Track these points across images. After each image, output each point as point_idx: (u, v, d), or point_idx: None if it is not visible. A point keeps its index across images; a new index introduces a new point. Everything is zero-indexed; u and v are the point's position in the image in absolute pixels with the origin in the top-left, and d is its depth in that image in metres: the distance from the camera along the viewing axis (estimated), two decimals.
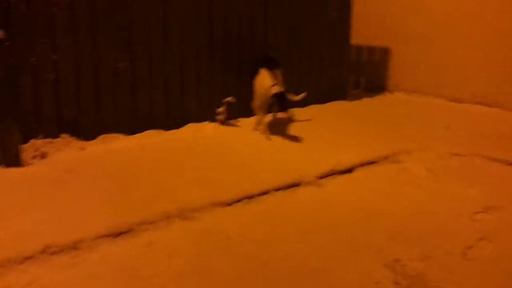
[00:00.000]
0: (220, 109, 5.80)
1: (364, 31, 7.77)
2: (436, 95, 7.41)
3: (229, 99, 5.79)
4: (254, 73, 5.73)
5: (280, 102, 5.40)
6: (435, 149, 5.20)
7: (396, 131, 5.90)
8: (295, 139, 5.49)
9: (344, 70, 7.28)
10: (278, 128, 5.83)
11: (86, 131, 5.12)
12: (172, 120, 5.64)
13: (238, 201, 3.94)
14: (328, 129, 5.87)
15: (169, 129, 5.58)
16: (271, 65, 5.74)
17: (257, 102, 5.71)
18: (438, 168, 4.80)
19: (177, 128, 5.63)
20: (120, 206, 3.74)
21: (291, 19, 6.59)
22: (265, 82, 5.52)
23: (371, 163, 4.89)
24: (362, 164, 4.82)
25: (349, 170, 4.69)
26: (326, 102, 6.95)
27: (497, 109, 6.79)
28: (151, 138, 5.34)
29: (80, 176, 4.32)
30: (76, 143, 5.00)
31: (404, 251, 3.30)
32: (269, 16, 6.34)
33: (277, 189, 4.18)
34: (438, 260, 3.23)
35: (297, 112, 6.50)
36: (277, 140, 5.48)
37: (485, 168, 4.83)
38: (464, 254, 3.32)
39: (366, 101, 7.37)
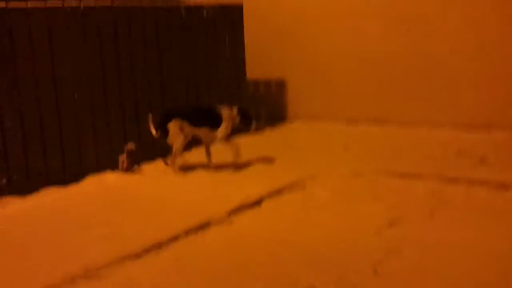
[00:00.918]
0: (122, 157, 5.63)
1: (259, 65, 7.98)
2: (333, 120, 7.70)
3: (129, 146, 5.65)
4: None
5: None
6: (337, 171, 5.37)
7: (299, 158, 6.06)
8: (201, 177, 5.45)
9: (244, 104, 7.37)
10: (184, 167, 5.76)
11: None
12: (69, 174, 5.39)
13: (148, 251, 3.79)
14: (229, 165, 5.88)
15: (67, 184, 5.31)
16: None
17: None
18: (341, 189, 4.95)
19: (77, 181, 5.38)
20: (20, 276, 3.47)
21: (187, 63, 6.63)
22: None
23: (279, 192, 4.94)
24: (270, 195, 4.85)
25: (258, 202, 4.71)
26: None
27: (390, 125, 7.17)
28: (49, 196, 5.05)
29: None
30: None
31: (319, 277, 3.32)
32: (164, 64, 6.33)
33: (187, 232, 4.08)
34: (351, 280, 3.28)
35: (198, 151, 6.48)
36: (183, 180, 5.40)
37: (385, 184, 5.04)
38: (375, 270, 3.39)
39: (268, 132, 7.50)
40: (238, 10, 7.27)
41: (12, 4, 5.03)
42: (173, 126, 5.57)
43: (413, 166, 5.37)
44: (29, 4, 5.12)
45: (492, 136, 6.38)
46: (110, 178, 5.50)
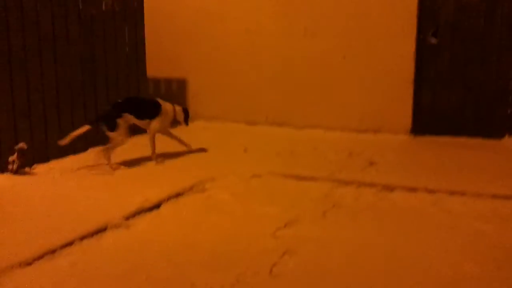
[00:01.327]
0: (12, 158, 5.33)
1: (160, 63, 7.90)
2: (234, 120, 7.84)
3: (20, 145, 5.36)
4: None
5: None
6: (236, 173, 5.48)
7: (199, 159, 6.10)
8: (99, 179, 5.30)
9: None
10: (80, 170, 5.58)
11: None
12: None
13: (40, 257, 3.64)
14: (132, 165, 5.80)
15: None
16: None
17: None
18: (240, 191, 5.06)
19: None
20: None
21: (84, 57, 6.39)
22: None
23: (178, 195, 4.95)
24: (170, 198, 4.84)
25: (157, 206, 4.68)
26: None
27: (287, 128, 7.44)
28: None
29: None
30: None
31: (216, 280, 3.38)
32: (58, 56, 6.06)
33: (82, 238, 3.97)
34: (247, 282, 3.38)
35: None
36: (78, 183, 5.22)
37: (281, 186, 5.23)
38: (271, 271, 3.52)
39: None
40: (139, 4, 7.14)
41: None
42: (123, 122, 5.61)
43: (308, 168, 5.61)
44: None
45: (380, 139, 6.84)
46: None
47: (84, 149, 6.27)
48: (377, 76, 7.09)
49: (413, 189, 4.96)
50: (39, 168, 5.62)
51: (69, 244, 3.86)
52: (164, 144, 6.26)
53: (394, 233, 4.10)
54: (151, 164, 5.88)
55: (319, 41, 7.35)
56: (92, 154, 5.93)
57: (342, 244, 3.92)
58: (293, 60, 7.54)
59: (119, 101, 5.87)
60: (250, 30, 7.72)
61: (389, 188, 5.00)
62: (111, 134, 5.63)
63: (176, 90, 8.26)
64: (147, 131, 6.06)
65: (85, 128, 5.61)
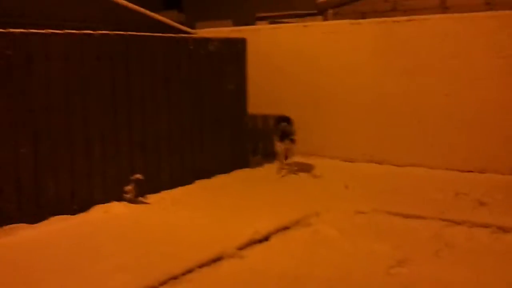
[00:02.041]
0: (128, 187, 5.69)
1: (257, 100, 8.15)
2: (330, 157, 7.88)
3: (137, 176, 5.71)
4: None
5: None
6: (340, 209, 5.50)
7: (302, 194, 6.18)
8: (208, 210, 5.51)
9: (244, 139, 7.53)
10: (190, 200, 5.84)
11: None
12: (78, 203, 5.42)
13: (164, 283, 3.84)
14: (239, 197, 5.99)
15: (75, 213, 5.34)
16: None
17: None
18: (346, 227, 5.06)
19: (84, 211, 5.40)
20: None
21: (193, 94, 6.74)
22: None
23: (286, 228, 5.04)
24: (278, 230, 4.95)
25: (266, 238, 4.79)
26: (230, 171, 7.09)
27: (387, 165, 7.38)
28: (58, 224, 5.06)
29: None
30: None
31: None
32: (171, 93, 6.43)
33: (201, 266, 4.14)
34: None
35: (204, 183, 6.58)
36: (190, 212, 5.46)
37: (388, 223, 5.18)
38: None
39: (268, 167, 7.62)
40: (242, 44, 7.47)
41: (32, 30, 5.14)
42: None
43: (413, 207, 5.51)
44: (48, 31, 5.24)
45: (486, 179, 6.60)
46: (116, 208, 5.53)
47: (191, 181, 6.55)
48: (481, 114, 6.91)
49: None
50: (152, 198, 5.93)
51: (190, 271, 4.04)
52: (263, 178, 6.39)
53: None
54: (254, 197, 6.02)
55: (419, 78, 7.30)
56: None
57: (460, 286, 3.82)
58: (392, 98, 7.52)
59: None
60: (346, 68, 7.82)
61: (504, 230, 4.81)
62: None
63: (273, 126, 8.43)
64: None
65: (283, 147, 7.01)
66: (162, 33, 6.46)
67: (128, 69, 5.95)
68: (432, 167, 7.11)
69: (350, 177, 6.84)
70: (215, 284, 3.93)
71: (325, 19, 11.20)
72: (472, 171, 6.88)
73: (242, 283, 3.95)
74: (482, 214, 5.27)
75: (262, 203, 5.76)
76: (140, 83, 6.07)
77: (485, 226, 4.89)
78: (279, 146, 7.14)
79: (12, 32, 4.96)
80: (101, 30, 5.74)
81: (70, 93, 5.41)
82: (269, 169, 7.50)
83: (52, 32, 5.25)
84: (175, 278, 3.93)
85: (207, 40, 7.02)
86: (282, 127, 7.16)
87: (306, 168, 7.42)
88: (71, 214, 5.30)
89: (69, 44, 5.38)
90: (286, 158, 7.20)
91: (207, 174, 6.78)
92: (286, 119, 7.26)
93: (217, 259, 4.29)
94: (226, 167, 7.08)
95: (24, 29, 5.07)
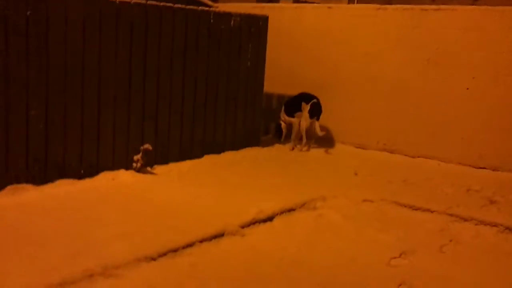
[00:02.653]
0: (137, 157, 5.68)
1: (276, 80, 8.06)
2: (343, 142, 7.81)
3: (146, 146, 5.69)
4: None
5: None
6: (347, 195, 5.45)
7: (310, 177, 6.14)
8: (215, 186, 5.49)
9: (258, 117, 7.46)
10: (197, 175, 5.82)
11: None
12: (85, 168, 5.43)
13: (164, 254, 3.84)
14: (246, 176, 5.96)
15: (82, 178, 5.35)
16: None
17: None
18: (352, 214, 5.02)
19: (91, 177, 5.41)
20: (37, 266, 3.50)
21: (209, 68, 6.67)
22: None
23: (290, 210, 5.00)
24: (282, 212, 4.91)
25: (270, 218, 4.77)
26: (240, 149, 7.05)
27: (400, 155, 7.29)
28: (64, 187, 5.08)
29: None
30: None
31: None
32: (187, 66, 6.37)
33: (202, 240, 4.13)
34: None
35: (213, 159, 6.55)
36: (196, 187, 5.44)
37: (395, 213, 5.13)
38: None
39: (278, 147, 7.58)
40: (263, 22, 7.35)
41: None
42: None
43: (422, 199, 5.43)
44: None
45: (500, 177, 6.49)
46: (123, 176, 5.54)
47: (200, 155, 6.52)
48: (501, 111, 6.75)
49: None
50: (159, 169, 5.92)
51: (190, 245, 4.03)
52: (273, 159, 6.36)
53: None
54: (262, 176, 5.98)
55: (442, 71, 7.14)
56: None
57: (461, 283, 3.77)
58: (412, 88, 7.38)
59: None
60: (370, 54, 7.68)
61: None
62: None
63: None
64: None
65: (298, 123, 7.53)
66: (184, 4, 6.36)
67: (146, 38, 5.88)
68: (445, 161, 7.01)
69: (361, 164, 6.78)
70: (214, 259, 3.91)
71: (351, 2, 11.02)
72: (485, 168, 6.76)
73: (241, 261, 3.93)
74: (491, 212, 5.18)
75: (269, 183, 5.73)
76: (156, 53, 6.01)
77: (493, 224, 4.82)
78: (305, 119, 7.43)
79: None
80: None
81: (86, 58, 5.36)
82: (279, 149, 7.46)
83: None
84: (174, 250, 3.92)
85: (228, 15, 6.91)
86: (313, 103, 7.40)
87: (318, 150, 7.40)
88: (78, 179, 5.31)
89: (87, 9, 5.31)
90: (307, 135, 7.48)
91: (217, 149, 6.75)
92: (314, 97, 7.51)
93: (218, 235, 4.27)
94: (236, 144, 7.04)
95: None
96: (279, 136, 7.92)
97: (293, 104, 7.71)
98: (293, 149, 7.50)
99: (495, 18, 6.82)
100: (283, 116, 7.84)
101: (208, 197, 5.15)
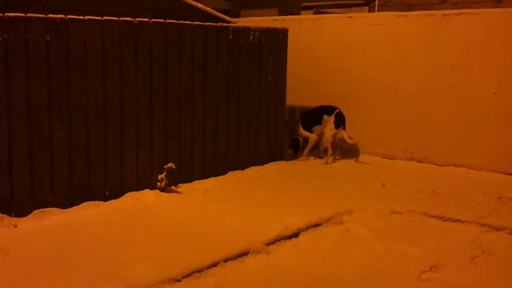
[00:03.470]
0: (161, 176, 5.69)
1: (297, 92, 8.01)
2: (370, 153, 7.69)
3: (169, 165, 5.70)
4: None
5: None
6: (374, 208, 5.33)
7: (335, 190, 6.03)
8: (239, 202, 5.45)
9: (281, 131, 7.42)
10: (221, 192, 5.80)
11: (18, 206, 4.85)
12: (110, 189, 5.46)
13: (188, 275, 3.81)
14: (270, 191, 5.90)
15: (107, 200, 5.38)
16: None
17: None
18: (379, 227, 4.91)
19: (116, 198, 5.44)
20: None
21: (230, 84, 6.67)
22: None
23: (317, 225, 4.92)
24: (308, 227, 4.84)
25: (295, 234, 4.69)
26: (265, 163, 7.01)
27: (428, 164, 7.13)
28: (89, 210, 5.11)
29: (14, 258, 4.04)
30: (8, 220, 4.70)
31: None
32: (208, 82, 6.38)
33: (226, 260, 4.09)
34: None
35: (237, 175, 6.53)
36: (221, 204, 5.41)
37: (424, 225, 4.99)
38: None
39: (304, 161, 7.50)
40: (283, 35, 7.33)
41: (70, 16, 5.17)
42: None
43: (452, 209, 5.28)
44: (86, 17, 5.26)
45: None
46: (148, 196, 5.54)
47: (224, 172, 6.50)
48: None
49: None
50: (184, 187, 5.91)
51: (214, 265, 3.99)
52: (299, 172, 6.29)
53: None
54: (287, 191, 5.92)
55: (467, 76, 6.98)
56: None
57: None
58: (437, 95, 7.24)
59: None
60: (392, 62, 7.57)
61: None
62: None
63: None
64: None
65: (315, 138, 7.54)
66: (202, 21, 6.39)
67: (166, 57, 5.91)
68: (475, 168, 6.82)
69: (389, 175, 6.65)
70: (239, 279, 3.86)
71: (371, 10, 10.93)
72: None
73: (266, 279, 3.87)
74: None
75: (295, 198, 5.65)
76: (177, 71, 6.03)
77: None
78: (331, 131, 7.42)
79: (51, 18, 5.00)
80: (140, 18, 5.73)
81: (107, 80, 5.42)
82: (304, 163, 7.39)
83: (90, 19, 5.26)
84: (199, 271, 3.89)
85: (247, 30, 6.91)
86: (337, 113, 7.44)
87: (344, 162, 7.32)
88: (103, 200, 5.34)
89: (106, 31, 5.38)
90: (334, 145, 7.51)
91: (241, 165, 6.72)
92: (336, 108, 7.55)
93: (243, 254, 4.22)
94: (261, 159, 7.00)
95: (63, 15, 5.10)
96: (295, 151, 7.76)
97: (311, 117, 7.63)
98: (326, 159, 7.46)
99: None
100: (300, 130, 7.71)
101: (233, 215, 5.10)
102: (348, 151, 7.68)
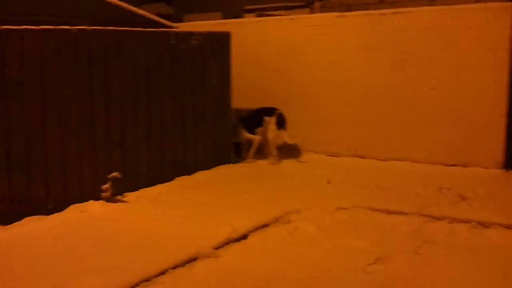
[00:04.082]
0: (106, 186, 5.59)
1: (243, 95, 8.04)
2: (315, 151, 7.82)
3: (114, 174, 5.61)
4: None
5: None
6: (321, 205, 5.43)
7: (282, 191, 6.10)
8: (187, 208, 5.42)
9: (227, 134, 7.43)
10: (168, 198, 5.75)
11: None
12: (52, 202, 5.32)
13: (136, 285, 3.76)
14: (218, 195, 5.90)
15: (50, 214, 5.23)
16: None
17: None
18: (326, 224, 5.00)
19: (59, 211, 5.29)
20: None
21: (175, 89, 6.62)
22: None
23: (265, 226, 4.96)
24: (256, 229, 4.87)
25: (244, 237, 4.71)
26: (212, 167, 7.00)
27: (371, 160, 7.32)
28: (32, 225, 4.94)
29: None
30: None
31: None
32: (151, 89, 6.31)
33: (175, 267, 4.06)
34: None
35: (184, 180, 6.49)
36: (168, 211, 5.36)
37: (369, 219, 5.13)
38: None
39: (250, 163, 7.54)
40: (226, 38, 7.35)
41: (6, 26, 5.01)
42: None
43: (395, 202, 5.46)
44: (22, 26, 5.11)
45: (470, 173, 6.55)
46: (93, 207, 5.43)
47: (171, 178, 6.45)
48: (467, 108, 6.84)
49: (510, 226, 4.70)
50: (130, 196, 5.83)
51: (163, 273, 3.96)
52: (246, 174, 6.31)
53: (493, 273, 3.89)
54: (235, 194, 5.93)
55: (406, 72, 7.23)
56: None
57: (438, 284, 3.76)
58: (378, 92, 7.45)
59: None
60: (334, 62, 7.73)
61: (485, 225, 4.76)
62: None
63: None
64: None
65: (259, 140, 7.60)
66: (144, 27, 6.32)
67: (107, 65, 5.82)
68: (416, 161, 7.06)
69: (334, 172, 6.79)
70: (188, 285, 3.84)
71: (312, 12, 11.10)
72: (456, 165, 6.84)
73: (216, 284, 3.87)
74: (463, 209, 5.23)
75: (243, 201, 5.68)
76: (119, 78, 5.95)
77: (466, 221, 4.85)
78: (273, 132, 7.52)
79: None
80: (80, 26, 5.62)
81: (46, 90, 5.29)
82: (251, 165, 7.43)
83: (26, 28, 5.12)
84: (147, 280, 3.85)
85: (189, 34, 6.89)
86: (278, 114, 7.55)
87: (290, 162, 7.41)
88: (46, 214, 5.19)
89: (44, 40, 5.25)
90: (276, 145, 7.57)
91: (189, 170, 6.70)
92: (276, 109, 7.65)
93: (192, 260, 4.20)
94: (208, 163, 7.00)
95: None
96: (238, 155, 7.70)
97: (253, 120, 7.70)
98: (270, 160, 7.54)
99: (453, 17, 6.95)
100: (242, 133, 7.75)
101: (180, 221, 5.07)
102: (292, 151, 7.77)
